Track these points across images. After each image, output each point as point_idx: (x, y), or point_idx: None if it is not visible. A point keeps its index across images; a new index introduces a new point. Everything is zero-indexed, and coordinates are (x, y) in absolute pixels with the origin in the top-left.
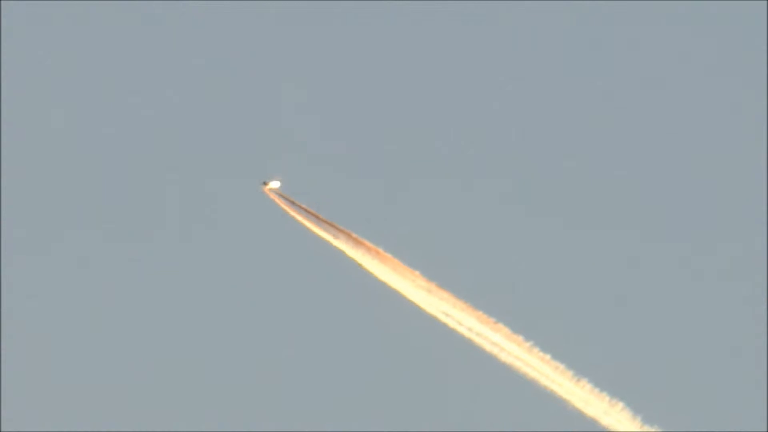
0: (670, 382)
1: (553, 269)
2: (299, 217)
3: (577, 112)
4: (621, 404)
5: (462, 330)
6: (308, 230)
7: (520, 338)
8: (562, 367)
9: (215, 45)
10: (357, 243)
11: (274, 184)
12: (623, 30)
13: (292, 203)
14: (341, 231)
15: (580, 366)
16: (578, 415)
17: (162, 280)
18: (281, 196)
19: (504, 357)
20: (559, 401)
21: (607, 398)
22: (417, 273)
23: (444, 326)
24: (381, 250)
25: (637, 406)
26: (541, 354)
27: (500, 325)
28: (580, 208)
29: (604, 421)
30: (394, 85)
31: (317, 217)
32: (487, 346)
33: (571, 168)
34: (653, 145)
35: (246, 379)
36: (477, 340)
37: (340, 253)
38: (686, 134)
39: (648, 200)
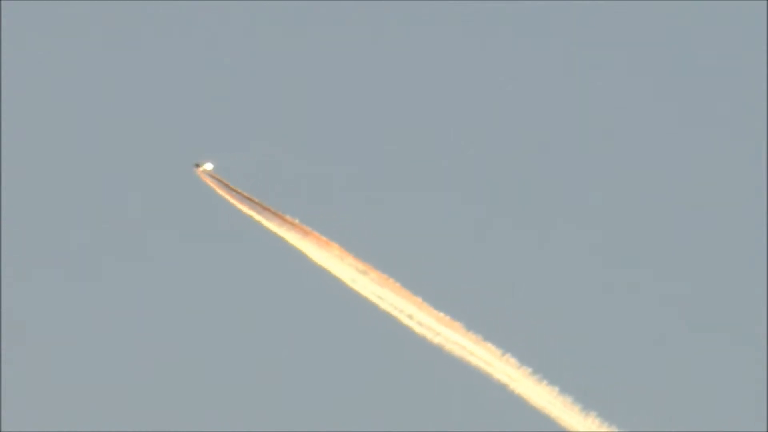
0: (668, 388)
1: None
2: (233, 200)
3: (575, 114)
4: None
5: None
6: (250, 217)
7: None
8: (569, 400)
9: (215, 44)
10: (303, 232)
11: (208, 166)
12: (622, 30)
13: (226, 186)
14: (283, 219)
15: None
16: None
17: (161, 279)
18: (214, 178)
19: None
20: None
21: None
22: (370, 267)
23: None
24: (322, 237)
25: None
26: (549, 387)
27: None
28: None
29: None
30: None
31: (253, 201)
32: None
33: (563, 173)
34: (652, 147)
35: (246, 379)
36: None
37: (298, 251)
38: (685, 135)
39: (649, 203)
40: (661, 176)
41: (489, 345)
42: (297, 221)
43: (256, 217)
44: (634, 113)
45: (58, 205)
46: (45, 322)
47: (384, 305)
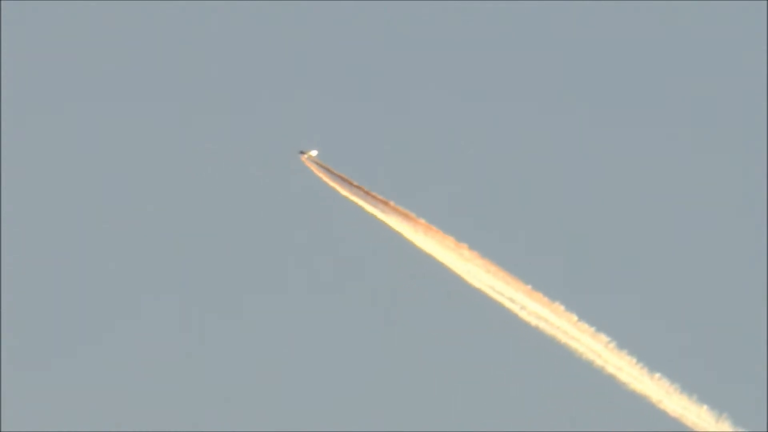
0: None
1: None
2: (338, 187)
3: (574, 114)
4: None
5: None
6: (358, 205)
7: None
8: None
9: (216, 45)
10: (406, 217)
11: (313, 153)
12: (622, 30)
13: (331, 172)
14: (388, 205)
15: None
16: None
17: (161, 277)
18: (319, 165)
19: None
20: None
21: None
22: (467, 247)
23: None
24: (426, 223)
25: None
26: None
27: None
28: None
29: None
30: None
31: (359, 188)
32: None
33: (569, 173)
34: (651, 147)
35: (246, 379)
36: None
37: (390, 229)
38: (685, 135)
39: (652, 200)
40: (661, 176)
41: (641, 367)
42: (414, 215)
43: (361, 203)
44: (633, 113)
45: (55, 203)
46: (45, 320)
47: (545, 326)
